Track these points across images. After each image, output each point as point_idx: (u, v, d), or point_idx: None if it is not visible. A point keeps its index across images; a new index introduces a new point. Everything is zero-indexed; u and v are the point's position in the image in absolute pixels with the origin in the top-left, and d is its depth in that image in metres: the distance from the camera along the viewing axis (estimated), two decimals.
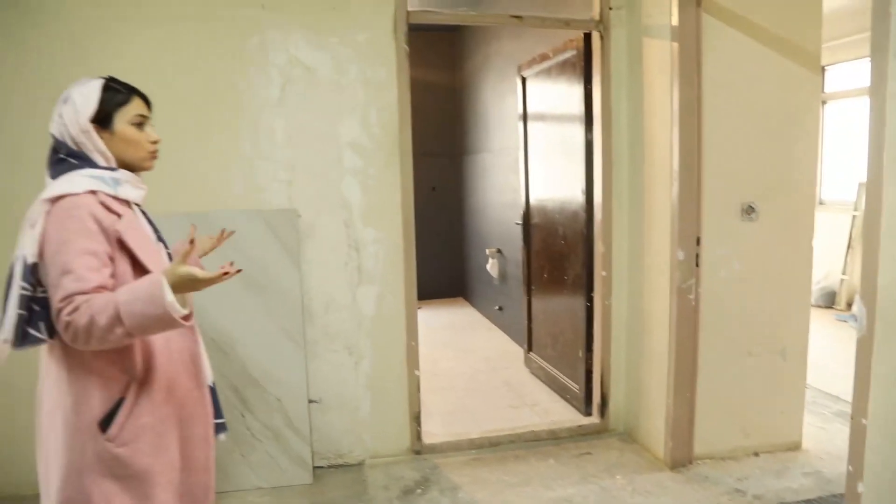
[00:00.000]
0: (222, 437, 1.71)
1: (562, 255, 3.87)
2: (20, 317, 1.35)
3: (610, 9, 3.20)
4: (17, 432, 2.64)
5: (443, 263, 6.90)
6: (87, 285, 1.31)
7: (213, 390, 1.66)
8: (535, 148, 4.22)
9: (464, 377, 4.49)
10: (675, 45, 2.80)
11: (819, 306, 6.11)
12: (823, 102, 5.97)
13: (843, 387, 3.92)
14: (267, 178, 2.92)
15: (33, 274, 1.35)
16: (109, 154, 1.47)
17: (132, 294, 1.30)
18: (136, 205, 1.55)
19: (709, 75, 2.85)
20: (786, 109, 2.97)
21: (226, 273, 1.34)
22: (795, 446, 3.19)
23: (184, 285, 1.33)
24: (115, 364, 1.42)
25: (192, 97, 2.80)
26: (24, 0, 2.62)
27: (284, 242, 2.91)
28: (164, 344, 1.49)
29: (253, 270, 2.87)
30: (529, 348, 4.49)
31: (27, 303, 1.36)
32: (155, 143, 1.55)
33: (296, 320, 2.94)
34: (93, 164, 1.45)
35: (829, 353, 4.58)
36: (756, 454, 3.13)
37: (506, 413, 3.79)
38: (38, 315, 1.37)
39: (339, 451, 3.12)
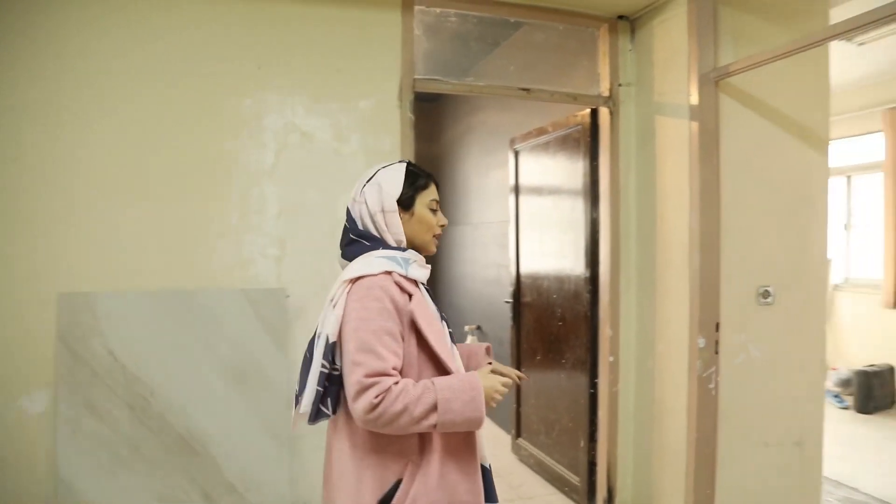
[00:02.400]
0: None
1: (559, 338, 3.65)
2: (317, 393, 1.43)
3: (620, 85, 3.11)
4: None
5: None
6: (388, 365, 1.36)
7: (487, 472, 1.56)
8: (529, 223, 4.06)
9: None
10: (695, 124, 2.70)
11: None
12: None
13: (839, 469, 3.82)
14: (254, 252, 2.64)
15: (332, 353, 1.42)
16: (402, 236, 1.53)
17: (452, 392, 1.36)
18: (422, 284, 1.55)
19: (726, 156, 2.74)
20: (798, 190, 2.89)
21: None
22: None
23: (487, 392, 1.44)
24: (395, 444, 1.43)
25: (177, 161, 2.53)
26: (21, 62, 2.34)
27: (270, 325, 2.61)
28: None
29: (232, 357, 2.56)
30: (518, 434, 4.20)
31: (324, 380, 1.43)
32: (442, 226, 1.62)
33: (280, 414, 2.61)
34: (385, 245, 1.51)
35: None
36: None
37: None
38: (329, 392, 1.44)
39: None
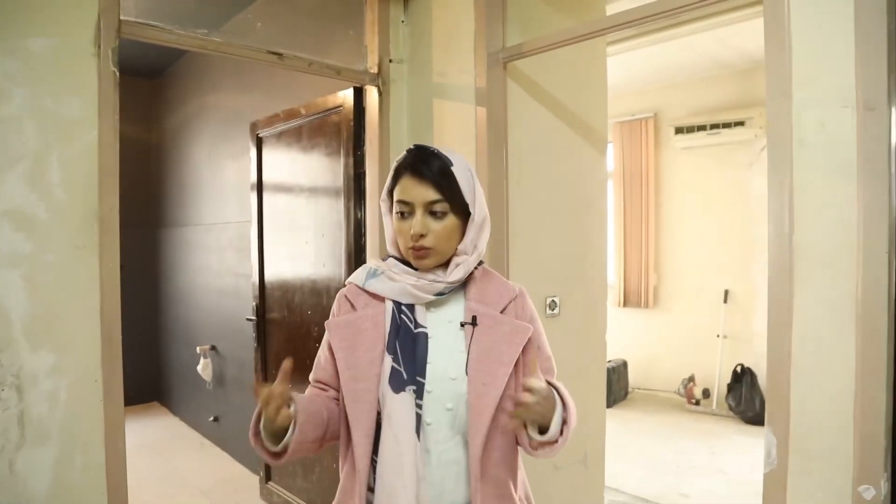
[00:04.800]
0: None
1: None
2: None
3: (390, 61, 2.62)
4: None
5: (131, 360, 5.37)
6: (312, 377, 1.36)
7: None
8: (276, 225, 3.37)
9: None
10: (482, 110, 2.32)
11: None
12: None
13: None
14: None
15: None
16: (388, 242, 1.36)
17: None
18: (394, 301, 1.30)
19: (514, 149, 2.42)
20: (579, 191, 2.70)
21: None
22: None
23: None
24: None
25: None
26: None
27: None
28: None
29: None
30: (268, 476, 3.49)
31: None
32: (417, 237, 1.25)
33: None
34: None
35: None
36: None
37: None
38: None
39: None
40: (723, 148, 5.52)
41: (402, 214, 1.27)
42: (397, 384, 1.23)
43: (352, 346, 1.26)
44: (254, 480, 3.70)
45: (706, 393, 5.56)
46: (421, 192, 1.24)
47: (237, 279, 4.12)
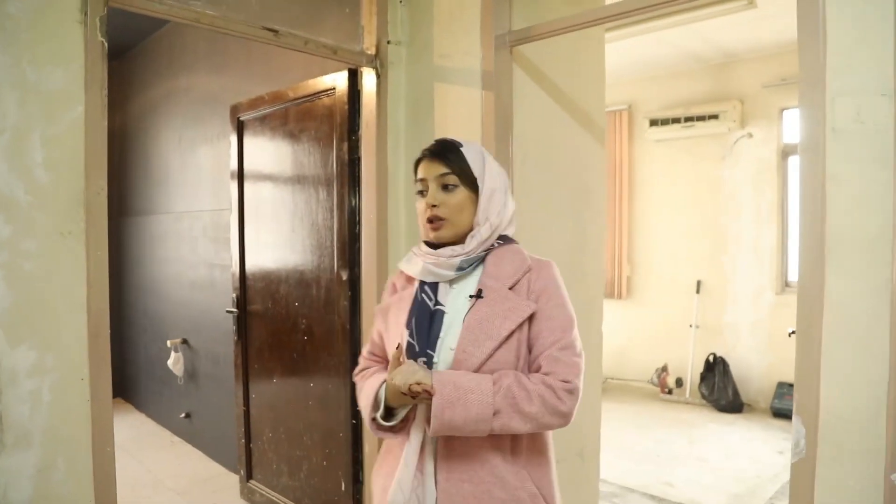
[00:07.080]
0: None
1: (304, 355, 2.93)
2: None
3: (388, 42, 2.51)
4: None
5: None
6: (364, 351, 1.56)
7: None
8: (260, 213, 3.22)
9: None
10: (489, 94, 2.23)
11: None
12: None
13: None
14: None
15: None
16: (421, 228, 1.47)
17: (363, 394, 1.43)
18: (419, 280, 1.45)
19: (518, 137, 2.34)
20: (581, 184, 2.64)
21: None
22: None
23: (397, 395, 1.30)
24: None
25: None
26: None
27: None
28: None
29: None
30: (249, 475, 3.35)
31: None
32: (433, 207, 1.39)
33: None
34: None
35: None
36: None
37: None
38: None
39: None
40: (696, 141, 5.56)
41: (421, 194, 1.42)
42: (410, 356, 1.36)
43: (390, 325, 1.46)
44: (233, 479, 3.55)
45: (679, 382, 5.62)
46: (432, 168, 1.40)
47: (212, 270, 3.94)
